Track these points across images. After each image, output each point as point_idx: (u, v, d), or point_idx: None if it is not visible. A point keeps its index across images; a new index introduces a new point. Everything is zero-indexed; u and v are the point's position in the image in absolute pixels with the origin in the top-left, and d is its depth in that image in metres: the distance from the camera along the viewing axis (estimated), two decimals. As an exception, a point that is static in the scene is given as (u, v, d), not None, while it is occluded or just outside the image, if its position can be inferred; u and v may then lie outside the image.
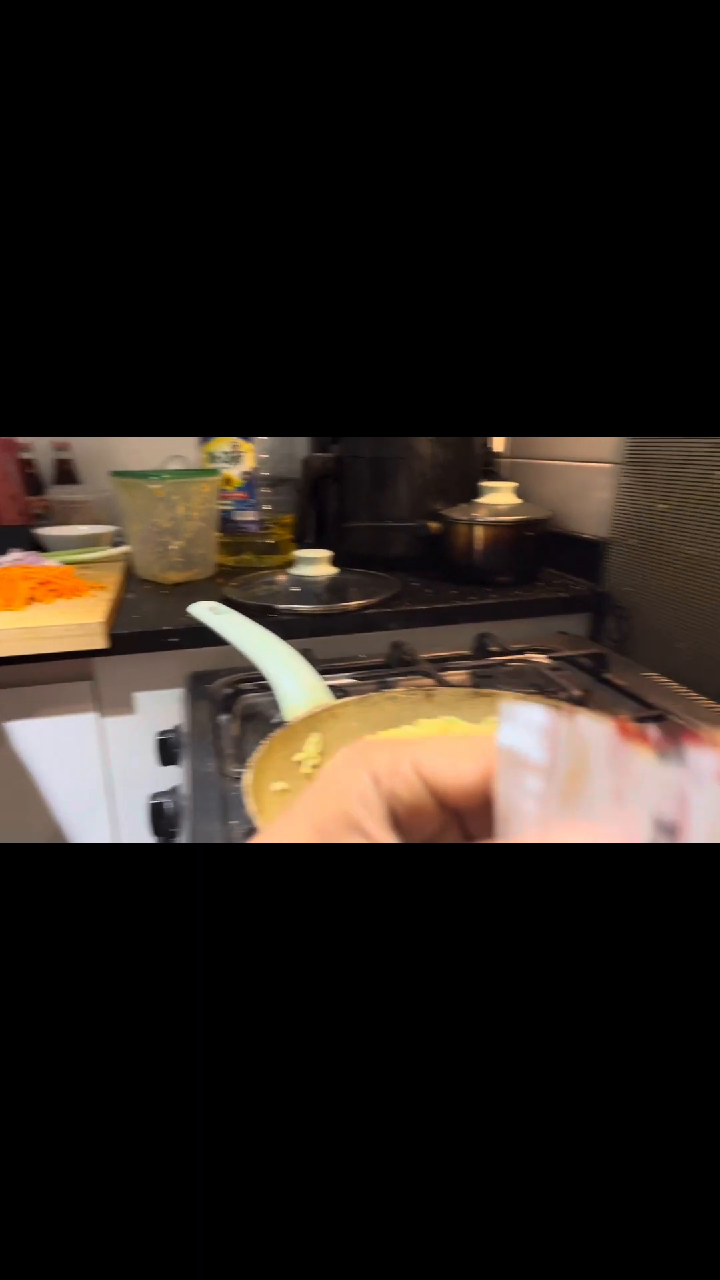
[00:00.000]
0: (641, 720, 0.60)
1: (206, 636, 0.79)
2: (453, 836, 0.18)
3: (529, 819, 0.15)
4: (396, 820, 0.17)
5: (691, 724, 0.62)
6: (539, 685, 0.68)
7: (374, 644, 0.82)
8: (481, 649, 0.78)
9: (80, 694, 0.80)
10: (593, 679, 0.72)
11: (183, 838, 0.51)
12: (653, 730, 0.14)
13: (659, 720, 0.62)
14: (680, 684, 0.71)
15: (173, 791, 0.63)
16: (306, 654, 0.60)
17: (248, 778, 0.38)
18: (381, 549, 1.02)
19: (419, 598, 0.88)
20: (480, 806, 0.17)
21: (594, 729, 0.15)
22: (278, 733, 0.44)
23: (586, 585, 0.92)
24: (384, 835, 0.17)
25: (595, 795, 0.14)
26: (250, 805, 0.35)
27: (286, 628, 0.79)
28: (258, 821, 0.34)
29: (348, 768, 0.17)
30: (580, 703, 0.60)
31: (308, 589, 0.91)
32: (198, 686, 0.74)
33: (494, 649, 0.77)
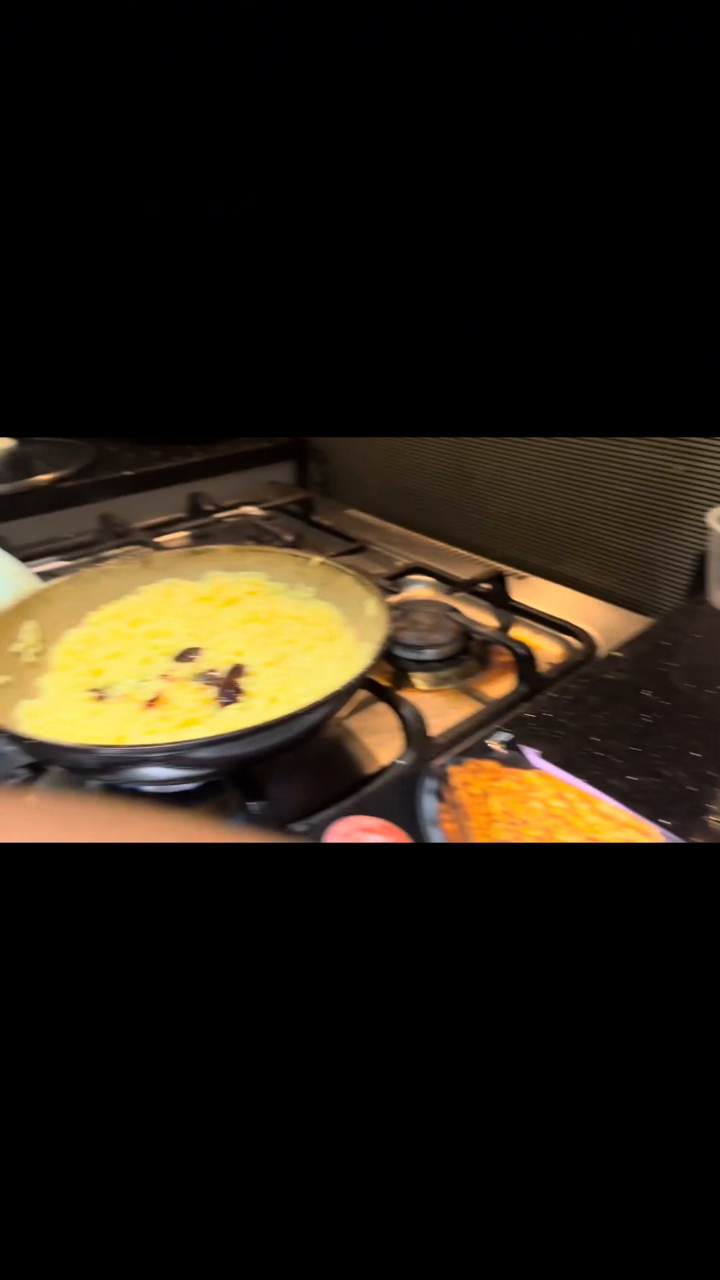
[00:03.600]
0: (344, 553, 0.68)
1: None
2: None
3: None
4: None
5: (387, 550, 0.72)
6: (254, 536, 0.72)
7: (77, 521, 0.76)
8: (196, 509, 0.78)
9: None
10: (303, 524, 0.78)
11: None
12: None
13: (361, 550, 0.71)
14: (375, 516, 0.81)
15: None
16: None
17: (-39, 677, 0.35)
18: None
19: (119, 463, 0.83)
20: None
21: None
22: (-15, 626, 0.41)
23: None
24: None
25: None
26: (-29, 703, 0.34)
27: (-32, 515, 0.69)
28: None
29: None
30: (294, 546, 0.65)
31: (-16, 467, 0.79)
32: None
33: (208, 507, 0.78)
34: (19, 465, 0.79)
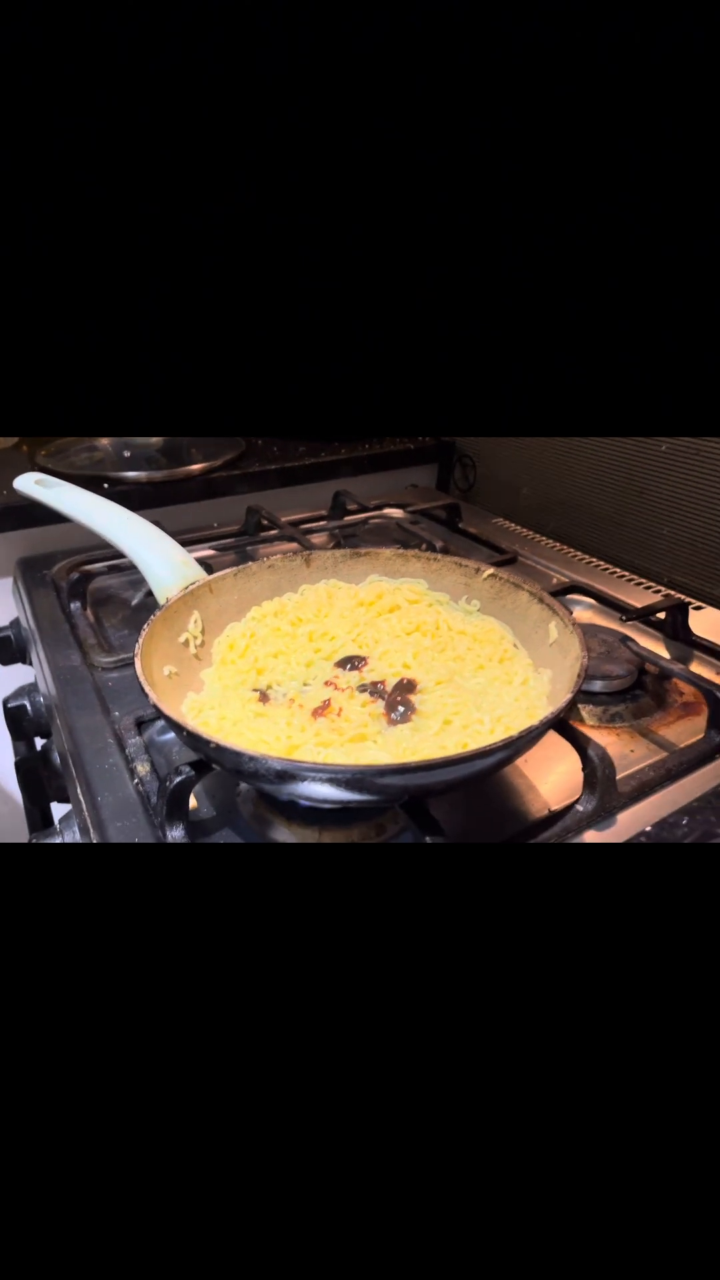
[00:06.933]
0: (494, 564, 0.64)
1: (29, 516, 0.69)
2: None
3: None
4: None
5: (540, 564, 0.67)
6: (401, 540, 0.69)
7: (224, 511, 0.77)
8: (339, 507, 0.76)
9: None
10: (448, 530, 0.75)
11: (59, 737, 0.47)
12: None
13: (512, 563, 0.66)
14: (524, 527, 0.76)
15: (30, 691, 0.57)
16: (155, 526, 0.54)
17: (139, 665, 0.35)
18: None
19: (267, 457, 0.83)
20: None
21: None
22: (158, 615, 0.40)
23: (432, 436, 0.92)
24: None
25: None
26: (151, 694, 0.33)
27: (124, 500, 0.70)
28: (160, 706, 0.32)
29: None
30: (444, 552, 0.62)
31: (140, 454, 0.81)
32: (33, 573, 0.65)
33: (352, 507, 0.76)
34: (172, 454, 0.81)
